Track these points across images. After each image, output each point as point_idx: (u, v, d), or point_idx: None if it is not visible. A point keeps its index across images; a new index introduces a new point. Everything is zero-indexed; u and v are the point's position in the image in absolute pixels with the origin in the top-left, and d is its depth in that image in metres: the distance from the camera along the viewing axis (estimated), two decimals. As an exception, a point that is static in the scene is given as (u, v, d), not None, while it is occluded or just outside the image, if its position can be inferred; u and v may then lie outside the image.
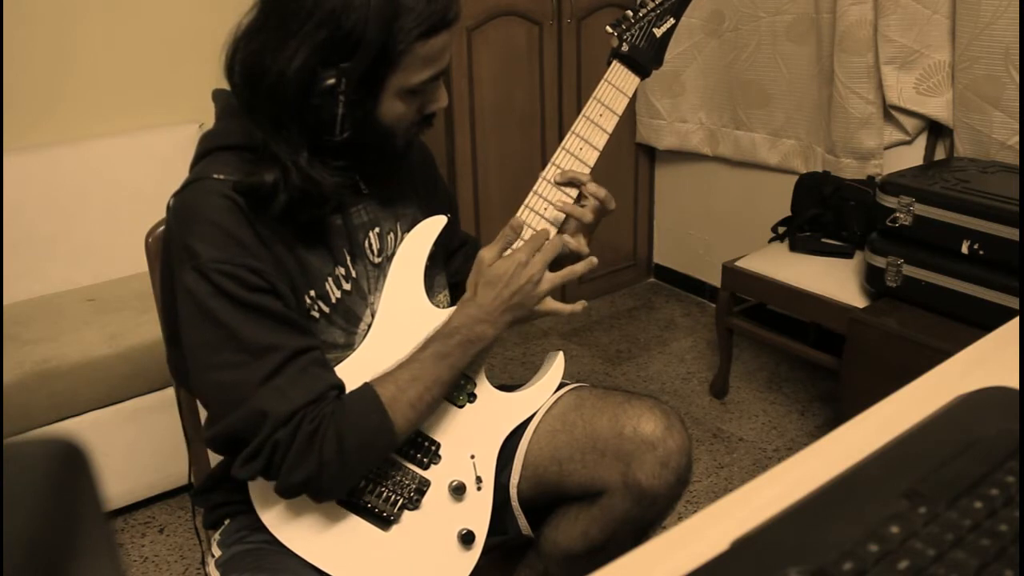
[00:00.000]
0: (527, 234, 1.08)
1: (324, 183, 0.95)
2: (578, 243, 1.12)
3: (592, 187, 1.09)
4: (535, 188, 1.09)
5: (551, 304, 1.07)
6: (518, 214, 1.09)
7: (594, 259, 1.09)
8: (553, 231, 1.09)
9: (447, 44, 0.96)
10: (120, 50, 2.35)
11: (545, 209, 1.09)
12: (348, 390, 0.99)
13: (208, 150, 1.00)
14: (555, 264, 1.10)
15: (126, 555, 1.87)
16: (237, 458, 0.95)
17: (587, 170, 1.10)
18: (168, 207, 0.99)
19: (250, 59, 0.93)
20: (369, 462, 1.00)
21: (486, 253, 1.04)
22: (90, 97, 2.35)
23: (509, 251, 1.06)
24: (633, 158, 3.08)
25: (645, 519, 1.07)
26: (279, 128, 0.94)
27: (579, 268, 1.07)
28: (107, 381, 1.87)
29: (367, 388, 0.98)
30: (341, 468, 0.95)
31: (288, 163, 0.93)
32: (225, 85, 1.00)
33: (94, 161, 2.25)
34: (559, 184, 1.09)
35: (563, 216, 1.09)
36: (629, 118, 3.00)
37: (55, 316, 2.00)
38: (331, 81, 0.91)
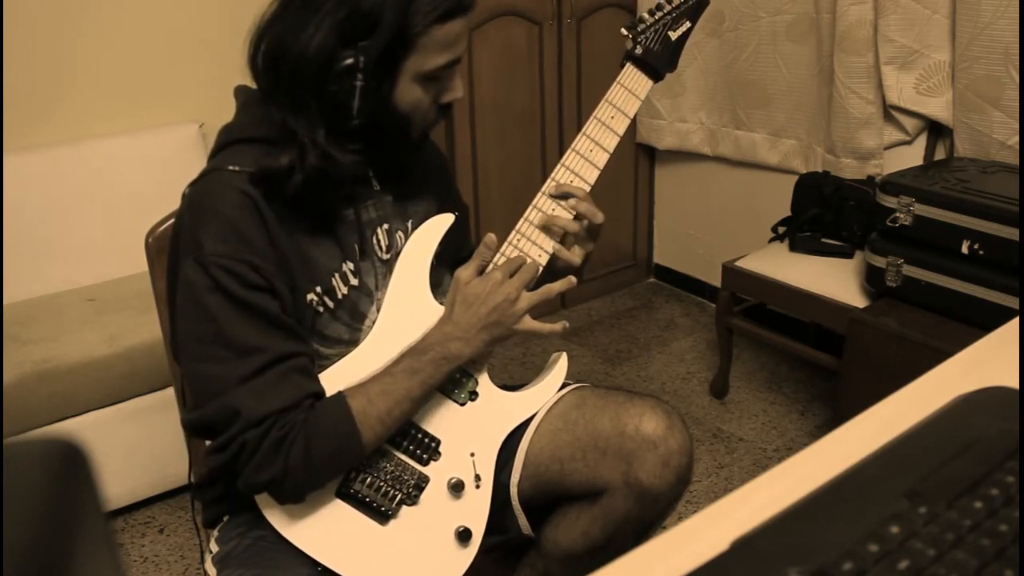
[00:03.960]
0: (510, 252, 1.08)
1: (341, 160, 0.96)
2: (571, 255, 1.11)
3: (572, 201, 1.09)
4: (535, 202, 1.09)
5: (530, 324, 1.06)
6: (518, 226, 1.08)
7: (573, 279, 1.09)
8: (544, 254, 1.09)
9: (463, 30, 0.98)
10: (120, 50, 2.35)
11: (542, 223, 1.08)
12: (343, 388, 1.00)
13: (227, 142, 1.01)
14: (549, 276, 1.10)
15: (126, 555, 1.87)
16: (207, 446, 0.98)
17: (596, 173, 1.10)
18: (183, 195, 1.00)
19: (273, 42, 0.95)
20: (334, 471, 1.01)
21: (463, 272, 1.05)
22: (90, 97, 2.35)
23: (489, 268, 1.06)
24: (633, 158, 3.08)
25: (646, 519, 1.07)
26: (298, 107, 0.95)
27: (556, 286, 1.07)
28: (107, 381, 1.87)
29: (340, 398, 0.99)
30: (306, 475, 0.96)
31: (306, 140, 0.94)
32: (234, 82, 1.01)
33: (94, 161, 2.25)
34: (556, 197, 1.09)
35: (559, 230, 1.09)
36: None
37: (55, 316, 2.00)
38: (350, 61, 0.92)
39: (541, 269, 1.09)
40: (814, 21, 2.38)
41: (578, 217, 1.10)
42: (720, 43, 2.66)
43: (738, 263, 2.27)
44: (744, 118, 2.69)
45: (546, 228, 1.09)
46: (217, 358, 0.94)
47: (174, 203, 1.03)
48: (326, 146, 0.95)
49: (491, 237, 1.07)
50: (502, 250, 1.08)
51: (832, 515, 0.51)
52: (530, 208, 1.09)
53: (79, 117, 2.34)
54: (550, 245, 1.09)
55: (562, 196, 1.09)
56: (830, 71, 2.32)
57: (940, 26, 2.12)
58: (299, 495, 0.99)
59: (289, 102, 0.95)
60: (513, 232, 1.09)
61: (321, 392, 1.00)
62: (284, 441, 0.94)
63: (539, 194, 1.09)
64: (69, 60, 2.29)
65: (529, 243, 1.08)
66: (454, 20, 0.95)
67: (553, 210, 1.09)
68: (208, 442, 1.01)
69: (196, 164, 1.04)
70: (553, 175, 1.09)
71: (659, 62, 1.11)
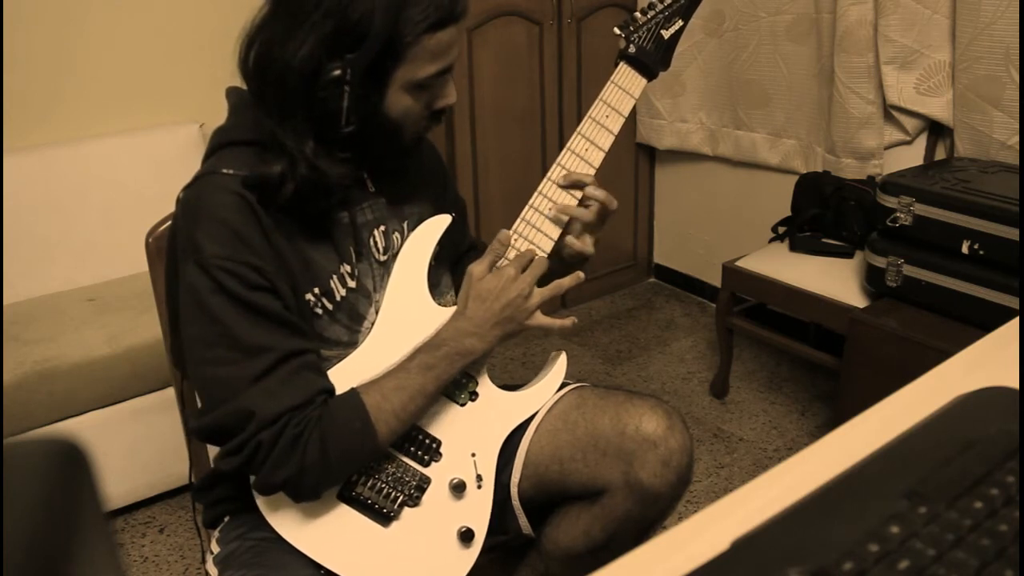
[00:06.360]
0: (521, 244, 1.08)
1: (330, 172, 0.96)
2: (583, 243, 1.12)
3: (590, 189, 1.09)
4: (540, 188, 1.09)
5: (541, 319, 1.07)
6: (523, 214, 1.09)
7: (581, 274, 1.09)
8: (548, 241, 1.09)
9: (455, 39, 0.97)
10: (120, 50, 2.36)
11: (549, 210, 1.09)
12: (345, 389, 1.00)
13: (220, 145, 1.01)
14: (559, 265, 1.10)
15: (126, 555, 1.87)
16: (220, 450, 0.97)
17: (592, 171, 1.10)
18: (177, 200, 1.00)
19: (261, 49, 0.94)
20: (350, 468, 1.01)
21: (476, 268, 1.05)
22: (90, 97, 2.35)
23: (501, 263, 1.07)
24: (633, 158, 3.08)
25: (646, 518, 1.07)
26: (286, 118, 0.94)
27: (566, 282, 1.07)
28: (107, 381, 1.87)
29: (353, 394, 0.99)
30: (322, 472, 0.96)
31: (295, 152, 0.94)
32: (233, 83, 1.00)
33: (94, 161, 2.25)
34: (563, 186, 1.09)
35: (566, 217, 1.09)
36: (630, 118, 3.00)
37: (55, 316, 2.00)
38: (337, 72, 0.91)
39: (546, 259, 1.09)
40: (814, 21, 2.38)
41: (585, 203, 1.10)
42: (720, 43, 2.66)
43: (738, 263, 2.27)
44: (744, 118, 2.69)
45: (553, 217, 1.09)
46: (225, 360, 0.94)
47: (174, 203, 1.03)
48: (315, 159, 0.95)
49: (504, 233, 1.07)
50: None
51: (832, 515, 0.51)
52: (535, 195, 1.09)
53: (79, 117, 2.34)
54: (556, 232, 1.09)
55: (570, 185, 1.09)
56: (830, 71, 2.32)
57: (940, 26, 2.12)
58: (316, 492, 0.99)
59: (277, 111, 0.94)
60: (519, 220, 1.09)
61: (332, 388, 1.00)
62: (300, 439, 0.94)
63: (544, 181, 1.09)
64: (69, 60, 2.29)
65: (535, 231, 1.09)
66: (445, 29, 0.94)
67: (560, 199, 1.09)
68: (213, 446, 1.01)
69: (196, 164, 1.04)
70: (549, 174, 1.09)
71: (652, 61, 1.11)
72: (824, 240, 2.21)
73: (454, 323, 1.04)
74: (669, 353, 2.74)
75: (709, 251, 3.02)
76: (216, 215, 0.94)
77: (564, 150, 1.10)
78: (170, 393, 1.65)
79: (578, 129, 1.10)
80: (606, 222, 1.13)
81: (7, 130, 2.20)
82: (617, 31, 1.11)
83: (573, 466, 1.10)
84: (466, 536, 1.06)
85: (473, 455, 1.09)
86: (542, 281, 1.07)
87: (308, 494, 0.99)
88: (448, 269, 1.20)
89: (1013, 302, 1.65)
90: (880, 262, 1.88)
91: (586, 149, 1.10)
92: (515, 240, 1.08)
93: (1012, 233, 1.64)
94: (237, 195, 0.94)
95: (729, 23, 2.60)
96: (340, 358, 1.04)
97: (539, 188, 1.09)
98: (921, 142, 2.30)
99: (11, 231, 2.09)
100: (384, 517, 1.04)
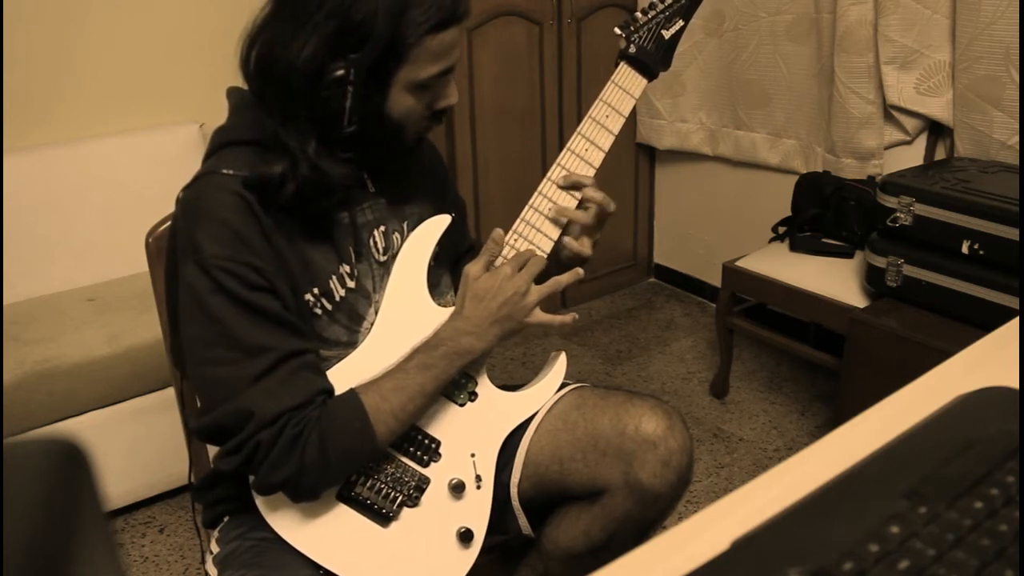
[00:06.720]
0: (521, 245, 1.08)
1: (332, 173, 0.96)
2: (580, 245, 1.12)
3: (588, 191, 1.09)
4: (540, 189, 1.09)
5: (540, 316, 1.07)
6: (523, 214, 1.09)
7: (580, 270, 1.09)
8: (548, 241, 1.09)
9: (457, 39, 0.97)
10: (120, 50, 2.36)
11: (549, 210, 1.09)
12: (344, 389, 1.00)
13: (220, 144, 1.01)
14: (556, 267, 1.10)
15: (126, 555, 1.87)
16: (219, 449, 0.97)
17: (592, 171, 1.10)
18: (177, 200, 1.00)
19: (263, 49, 0.95)
20: (349, 468, 1.02)
21: (472, 268, 1.05)
22: (90, 97, 2.35)
23: (497, 262, 1.07)
24: (633, 158, 3.08)
25: (646, 518, 1.07)
26: (289, 118, 0.95)
27: (564, 279, 1.07)
28: (107, 381, 1.87)
29: (352, 395, 0.99)
30: (321, 472, 0.96)
31: (297, 152, 0.94)
32: (234, 83, 1.01)
33: (94, 161, 2.25)
34: (562, 186, 1.09)
35: (565, 218, 1.09)
36: (630, 118, 3.00)
37: (55, 316, 2.00)
38: (340, 72, 0.92)
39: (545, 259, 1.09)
40: (814, 21, 2.38)
41: (584, 205, 1.10)
42: (720, 43, 2.66)
43: (738, 263, 2.27)
44: (744, 118, 2.69)
45: (552, 217, 1.09)
46: (225, 360, 0.94)
47: (174, 203, 1.03)
48: (316, 159, 0.95)
49: (498, 232, 1.07)
50: (508, 240, 1.08)
51: (832, 515, 0.51)
52: (535, 195, 1.09)
53: (79, 117, 2.34)
54: (556, 233, 1.09)
55: (569, 186, 1.09)
56: (830, 71, 2.32)
57: (940, 26, 2.12)
58: (314, 493, 0.99)
59: (279, 111, 0.95)
60: (519, 220, 1.09)
61: (331, 388, 1.00)
62: (299, 439, 0.94)
63: (544, 181, 1.09)
64: (69, 60, 2.29)
65: (535, 231, 1.09)
66: (447, 30, 0.95)
67: (560, 200, 1.09)
68: (212, 446, 1.01)
69: (196, 164, 1.04)
70: (549, 175, 1.09)
71: (653, 61, 1.11)
72: (824, 240, 2.21)
73: (452, 323, 1.04)
74: (669, 353, 2.74)
75: (709, 251, 3.02)
76: (216, 215, 0.94)
77: (564, 150, 1.09)
78: (170, 393, 1.65)
79: (578, 129, 1.10)
80: (604, 224, 1.13)
81: (7, 130, 2.20)
82: (617, 31, 1.11)
83: (573, 466, 1.10)
84: (465, 536, 1.06)
85: (472, 455, 1.09)
86: (539, 282, 1.07)
87: (307, 494, 0.99)
88: (448, 269, 1.20)
89: (1013, 302, 1.65)
90: (880, 262, 1.88)
91: (586, 149, 1.10)
92: (515, 240, 1.08)
93: (1012, 233, 1.64)
94: (237, 195, 0.94)
95: (729, 23, 2.60)
96: (339, 358, 1.04)
97: (539, 188, 1.09)
98: (921, 142, 2.30)
99: (11, 231, 2.09)
100: (383, 517, 1.04)
